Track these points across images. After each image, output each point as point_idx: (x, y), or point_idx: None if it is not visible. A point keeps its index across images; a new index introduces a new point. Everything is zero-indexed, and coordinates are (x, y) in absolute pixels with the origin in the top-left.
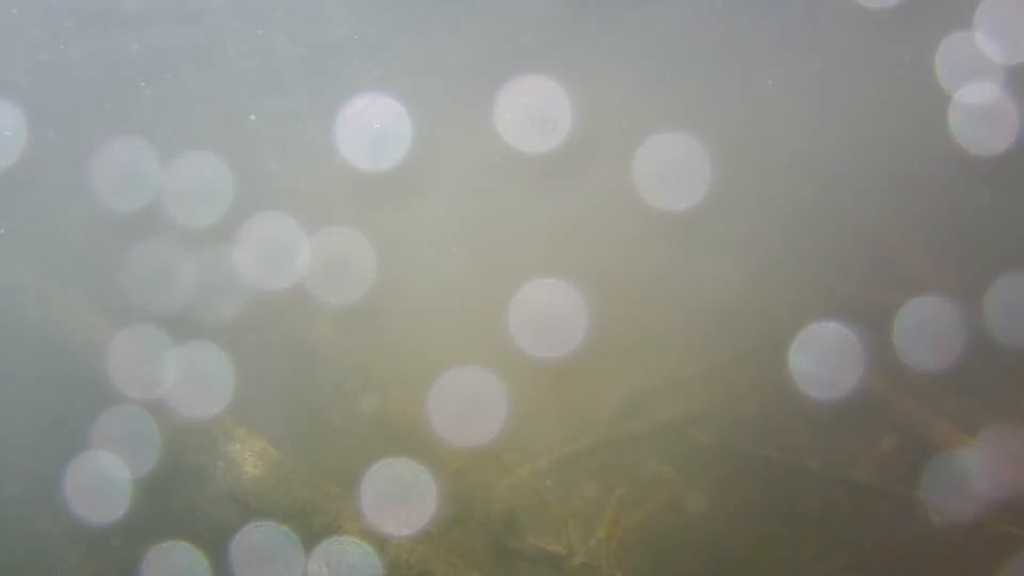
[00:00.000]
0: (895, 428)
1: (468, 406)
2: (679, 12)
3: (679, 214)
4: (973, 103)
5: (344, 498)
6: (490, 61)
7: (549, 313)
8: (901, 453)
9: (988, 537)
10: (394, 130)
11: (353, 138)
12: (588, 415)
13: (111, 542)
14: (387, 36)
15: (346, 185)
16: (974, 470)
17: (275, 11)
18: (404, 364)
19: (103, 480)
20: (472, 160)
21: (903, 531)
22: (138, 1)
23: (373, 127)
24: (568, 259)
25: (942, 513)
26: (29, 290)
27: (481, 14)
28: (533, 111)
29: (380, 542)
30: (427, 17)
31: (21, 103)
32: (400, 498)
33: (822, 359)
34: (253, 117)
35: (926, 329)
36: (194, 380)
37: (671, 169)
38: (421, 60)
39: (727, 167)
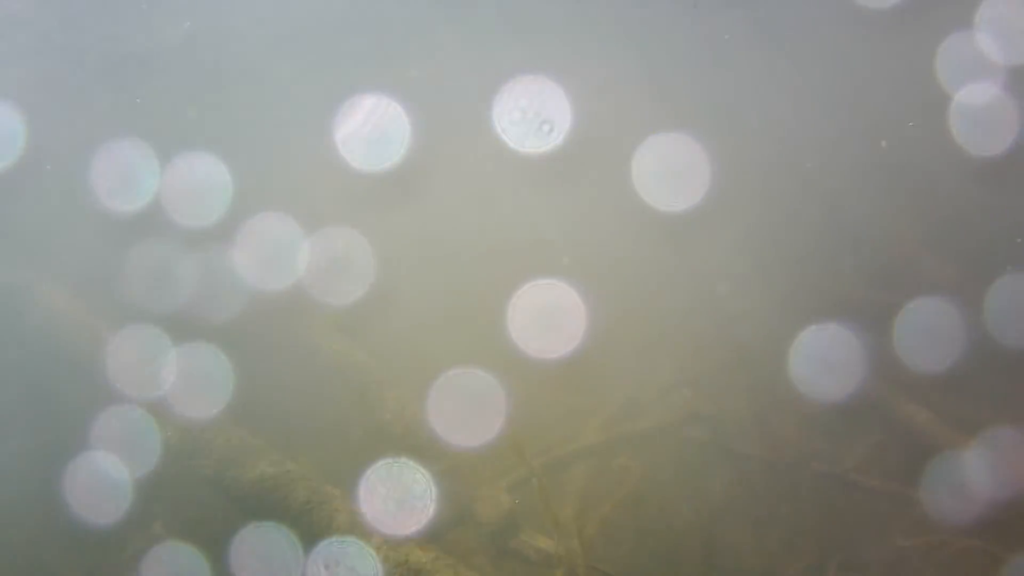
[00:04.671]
0: (894, 430)
1: (468, 406)
2: (676, 9)
3: (680, 215)
4: (974, 103)
5: (343, 499)
6: (490, 60)
7: (549, 314)
8: (900, 455)
9: (956, 553)
10: (393, 130)
11: (352, 138)
12: (587, 416)
13: (110, 542)
14: (387, 34)
15: (345, 185)
16: (973, 472)
17: (273, 8)
18: (404, 364)
19: (102, 480)
20: (472, 160)
21: (900, 535)
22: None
23: (372, 127)
24: (568, 259)
25: (929, 524)
26: (29, 290)
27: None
28: (531, 112)
29: (379, 543)
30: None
31: (21, 100)
32: (399, 499)
33: (822, 361)
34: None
35: (926, 330)
36: (193, 381)
37: (670, 170)
38: (422, 60)
39: (727, 168)
